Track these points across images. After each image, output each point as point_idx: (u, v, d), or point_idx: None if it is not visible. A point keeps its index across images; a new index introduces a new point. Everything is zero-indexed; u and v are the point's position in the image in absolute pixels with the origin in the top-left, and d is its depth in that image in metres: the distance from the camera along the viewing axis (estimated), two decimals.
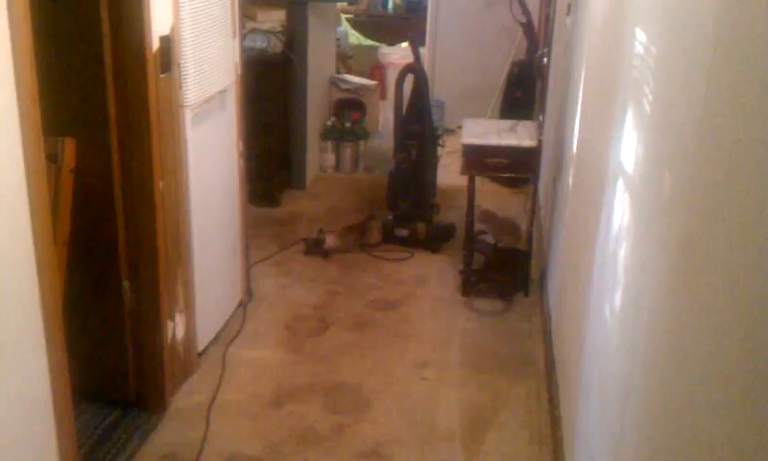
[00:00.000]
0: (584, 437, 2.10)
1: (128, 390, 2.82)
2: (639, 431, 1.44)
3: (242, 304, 3.55)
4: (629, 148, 1.79)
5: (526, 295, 3.80)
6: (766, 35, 0.94)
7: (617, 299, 1.77)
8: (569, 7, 3.71)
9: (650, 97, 1.59)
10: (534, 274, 3.90)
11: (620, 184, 1.85)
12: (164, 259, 2.74)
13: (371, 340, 3.38)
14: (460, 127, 4.06)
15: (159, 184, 2.65)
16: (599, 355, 1.95)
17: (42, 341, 1.99)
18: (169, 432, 2.72)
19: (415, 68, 4.38)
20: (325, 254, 4.16)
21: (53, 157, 2.29)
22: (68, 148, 2.38)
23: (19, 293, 1.90)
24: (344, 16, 7.55)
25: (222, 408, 2.86)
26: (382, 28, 7.83)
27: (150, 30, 2.51)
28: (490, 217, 4.39)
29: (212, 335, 3.23)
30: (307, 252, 4.18)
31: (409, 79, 4.39)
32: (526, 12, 5.29)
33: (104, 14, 2.48)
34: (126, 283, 2.73)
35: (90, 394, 2.80)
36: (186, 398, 2.91)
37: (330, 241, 4.22)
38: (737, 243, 0.98)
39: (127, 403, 2.82)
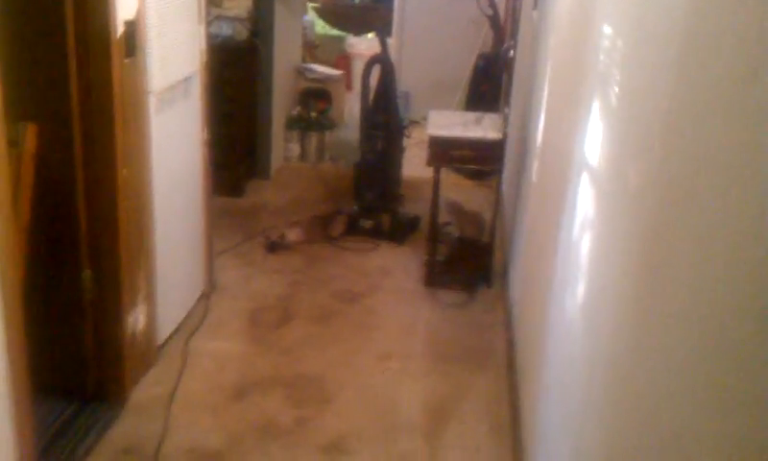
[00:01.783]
0: (544, 429, 2.12)
1: (87, 382, 2.78)
2: (601, 424, 1.45)
3: (204, 295, 3.51)
4: (594, 141, 1.80)
5: (489, 287, 3.82)
6: (732, 28, 0.95)
7: (581, 291, 1.78)
8: (536, 1, 3.72)
9: (616, 90, 1.60)
10: (497, 266, 3.92)
11: (585, 177, 1.87)
12: (126, 249, 2.70)
13: (334, 331, 3.38)
14: (426, 118, 4.06)
15: (123, 172, 2.61)
16: (561, 348, 1.96)
17: (1, 332, 1.95)
18: (129, 425, 2.69)
19: (382, 59, 4.37)
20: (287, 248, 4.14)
21: (14, 143, 2.24)
22: (30, 133, 2.33)
23: None
24: (310, 5, 7.49)
25: (183, 400, 2.83)
26: (349, 18, 7.78)
27: (114, 14, 2.46)
28: (455, 209, 4.40)
29: (174, 326, 3.20)
30: (270, 250, 4.14)
31: (376, 69, 4.38)
32: (492, 4, 5.32)
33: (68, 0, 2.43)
34: (87, 273, 2.69)
35: (48, 386, 2.74)
36: (147, 390, 2.87)
37: (294, 236, 4.20)
38: (703, 236, 0.99)
39: (86, 396, 2.76)
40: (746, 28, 0.90)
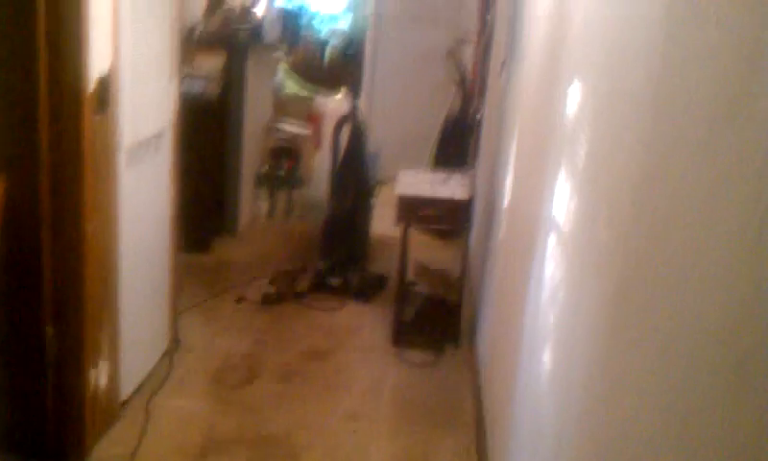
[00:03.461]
0: None
1: (46, 440, 2.69)
2: None
3: (168, 352, 3.46)
4: (561, 201, 1.83)
5: (457, 346, 3.81)
6: (701, 89, 0.97)
7: (550, 351, 1.79)
8: (503, 64, 3.81)
9: (584, 151, 1.63)
10: (465, 325, 3.92)
11: (552, 238, 1.89)
12: (91, 305, 2.65)
13: (300, 391, 3.33)
14: (394, 177, 4.10)
15: (89, 227, 2.58)
16: (531, 408, 1.96)
17: None
18: None
19: (352, 118, 4.42)
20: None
21: None
22: None
23: None
24: (281, 65, 7.58)
25: (144, 460, 2.76)
26: (319, 77, 7.87)
27: (88, 68, 2.46)
28: (423, 270, 4.41)
29: (137, 383, 3.13)
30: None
31: (346, 128, 4.42)
32: (459, 69, 5.42)
33: (42, 50, 2.42)
34: (50, 329, 2.63)
35: (8, 443, 2.66)
36: (108, 449, 2.80)
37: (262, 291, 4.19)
38: (672, 296, 1.00)
39: (46, 454, 2.68)
40: (714, 87, 0.92)
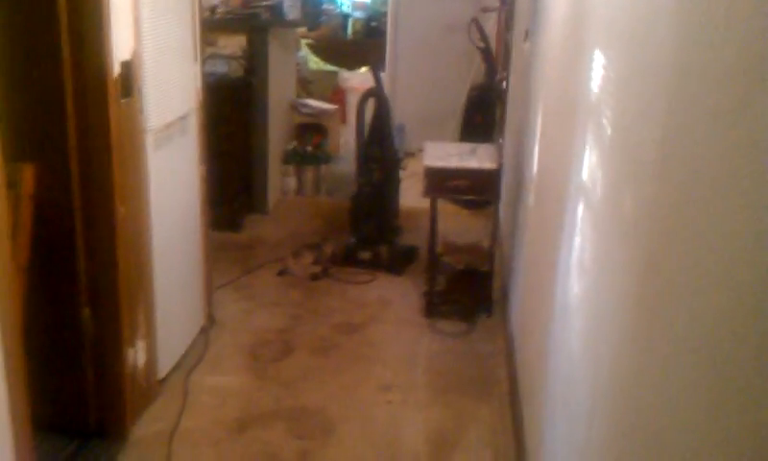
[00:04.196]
0: (550, 458, 2.11)
1: (87, 420, 2.77)
2: (606, 451, 1.45)
3: (204, 330, 3.51)
4: (589, 170, 1.82)
5: (489, 315, 3.82)
6: (723, 57, 0.97)
7: (581, 318, 1.79)
8: (527, 33, 3.77)
9: (609, 119, 1.62)
10: (496, 295, 3.93)
11: (581, 206, 1.88)
12: (125, 286, 2.71)
13: (334, 364, 3.37)
14: (421, 150, 4.09)
15: (120, 210, 2.62)
16: (563, 375, 1.96)
17: (1, 371, 1.94)
18: None
19: (376, 92, 4.41)
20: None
21: (12, 184, 2.25)
22: (27, 174, 2.34)
23: None
24: (304, 42, 7.58)
25: (184, 436, 2.82)
26: (342, 53, 7.87)
27: (111, 55, 2.49)
28: (452, 248, 4.41)
29: (174, 362, 3.19)
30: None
31: (371, 103, 4.42)
32: (484, 37, 5.38)
33: (64, 39, 2.46)
34: (86, 311, 2.69)
35: (48, 424, 2.72)
36: (148, 426, 2.86)
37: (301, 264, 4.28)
38: (700, 262, 1.00)
39: (86, 433, 2.76)
40: (736, 57, 0.92)
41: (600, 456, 1.49)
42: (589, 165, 1.82)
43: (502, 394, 3.15)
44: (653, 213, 1.23)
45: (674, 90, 1.17)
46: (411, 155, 6.03)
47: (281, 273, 4.24)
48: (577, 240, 1.91)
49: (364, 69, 7.26)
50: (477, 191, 3.82)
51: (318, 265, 4.31)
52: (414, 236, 4.66)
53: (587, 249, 1.78)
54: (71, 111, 2.53)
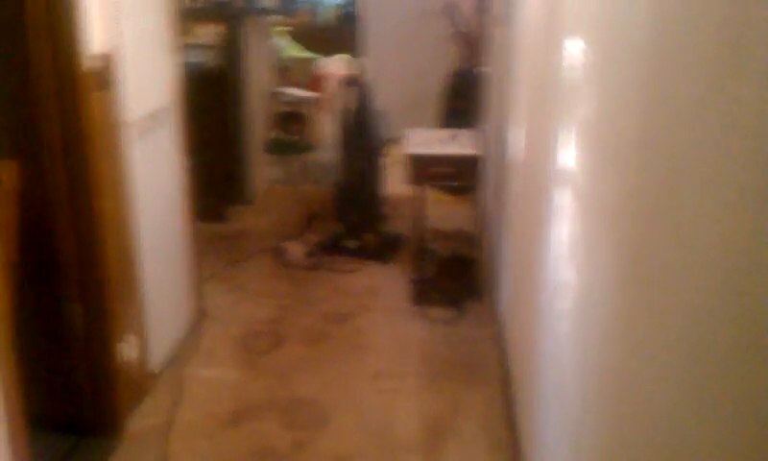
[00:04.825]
0: (543, 441, 2.14)
1: (81, 415, 2.76)
2: (598, 434, 1.48)
3: (195, 323, 3.50)
4: (571, 155, 1.83)
5: (478, 301, 3.85)
6: (700, 40, 0.98)
7: (569, 300, 1.81)
8: (503, 16, 3.77)
9: (589, 106, 1.63)
10: (484, 280, 3.95)
11: (566, 192, 1.89)
12: (113, 280, 2.69)
13: (325, 353, 3.38)
14: (402, 136, 4.09)
15: (103, 203, 2.61)
16: (554, 359, 1.99)
17: None
18: (125, 457, 2.67)
19: (357, 79, 4.40)
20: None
21: None
22: (11, 170, 2.33)
23: None
24: (282, 29, 7.52)
25: (178, 430, 2.81)
26: (318, 40, 7.82)
27: (87, 48, 2.47)
28: (438, 234, 4.43)
29: (166, 355, 3.19)
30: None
31: (351, 90, 4.41)
32: (460, 21, 5.37)
33: (41, 34, 2.43)
34: (75, 306, 2.67)
35: (43, 421, 2.72)
36: (141, 421, 2.86)
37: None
38: (682, 247, 1.02)
39: (80, 429, 2.75)
40: (713, 42, 0.93)
41: (593, 437, 1.52)
42: (572, 151, 1.83)
43: (494, 379, 3.17)
44: (635, 200, 1.25)
45: (652, 77, 1.18)
46: (393, 141, 6.02)
47: (277, 254, 4.22)
48: (563, 226, 1.92)
49: (340, 55, 7.23)
50: (460, 177, 3.85)
51: (312, 256, 4.31)
52: (399, 223, 4.67)
53: (572, 234, 1.79)
54: (48, 107, 2.50)
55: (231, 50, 4.94)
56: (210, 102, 4.76)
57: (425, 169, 3.79)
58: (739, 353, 0.83)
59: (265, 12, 5.37)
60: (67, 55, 2.45)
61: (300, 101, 5.91)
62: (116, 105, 2.68)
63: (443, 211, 4.89)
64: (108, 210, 2.63)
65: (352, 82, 4.43)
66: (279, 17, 6.97)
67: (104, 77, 2.59)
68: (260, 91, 5.49)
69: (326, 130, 6.29)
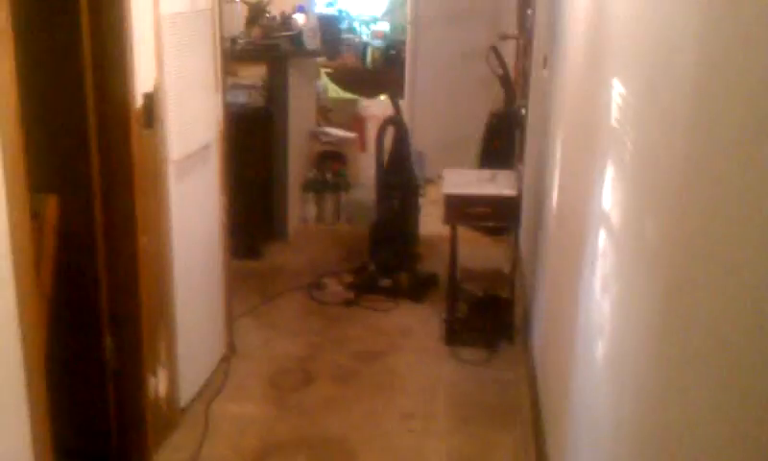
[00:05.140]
0: None
1: (110, 448, 2.77)
2: None
3: (225, 359, 3.51)
4: (610, 197, 1.81)
5: (511, 343, 3.80)
6: (744, 85, 0.96)
7: (603, 347, 1.77)
8: (545, 60, 3.78)
9: (630, 146, 1.61)
10: (517, 322, 3.91)
11: (603, 234, 1.87)
12: (147, 316, 2.72)
13: (355, 392, 3.36)
14: (440, 177, 4.09)
15: (142, 240, 2.64)
16: (587, 403, 1.94)
17: (24, 399, 1.96)
18: None
19: (395, 120, 4.44)
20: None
21: (35, 215, 2.28)
22: (51, 205, 2.37)
23: (1, 349, 1.88)
24: (323, 71, 7.64)
25: None
26: (361, 81, 7.91)
27: (134, 86, 2.52)
28: (473, 275, 4.40)
29: (195, 391, 3.19)
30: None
31: (390, 130, 4.44)
32: (502, 64, 5.39)
33: (87, 71, 2.50)
34: (108, 340, 2.70)
35: (71, 452, 2.73)
36: (169, 455, 2.86)
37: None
38: (722, 288, 0.99)
39: None
40: (757, 83, 0.91)
41: None
42: (611, 192, 1.81)
43: (525, 422, 3.12)
44: (675, 240, 1.22)
45: (695, 117, 1.17)
46: (430, 181, 6.04)
47: (314, 288, 4.28)
48: (599, 267, 1.89)
49: (383, 97, 7.30)
50: (497, 218, 3.82)
51: (350, 291, 4.32)
52: (434, 263, 4.64)
53: (609, 275, 1.77)
54: (94, 142, 2.56)
55: (274, 91, 5.02)
56: (252, 141, 4.83)
57: (462, 209, 3.78)
58: None
59: (309, 53, 5.46)
60: (115, 92, 2.52)
61: (341, 141, 5.97)
62: (161, 143, 2.74)
63: (478, 251, 4.86)
64: (145, 246, 2.67)
65: (391, 122, 4.46)
66: (323, 59, 7.08)
67: (150, 115, 2.64)
68: (301, 131, 5.56)
69: (365, 169, 6.33)
